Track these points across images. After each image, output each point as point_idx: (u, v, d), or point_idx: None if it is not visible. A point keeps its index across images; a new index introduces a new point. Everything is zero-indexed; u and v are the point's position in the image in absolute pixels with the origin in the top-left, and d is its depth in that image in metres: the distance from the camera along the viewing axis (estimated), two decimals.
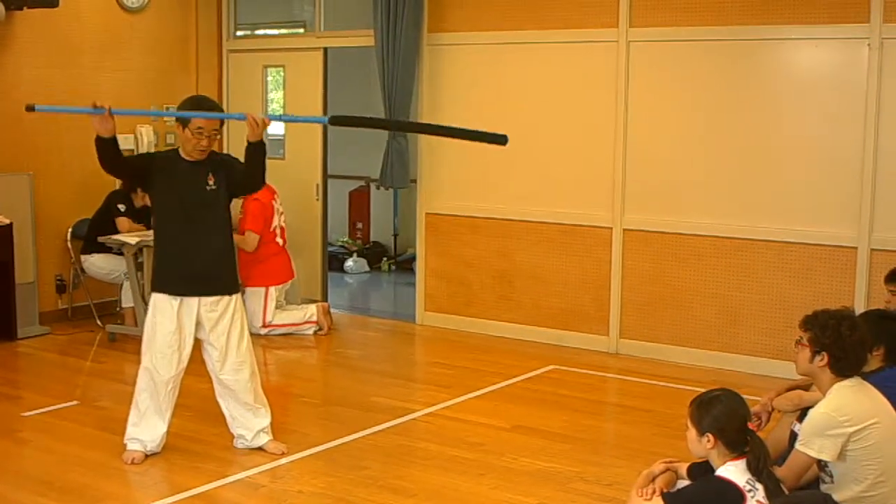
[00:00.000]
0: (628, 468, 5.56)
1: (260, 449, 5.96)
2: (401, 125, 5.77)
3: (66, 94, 9.04)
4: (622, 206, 8.32)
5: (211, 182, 5.76)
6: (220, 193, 5.80)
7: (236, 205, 9.25)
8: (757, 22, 7.65)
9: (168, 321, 5.72)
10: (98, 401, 7.01)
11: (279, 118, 5.87)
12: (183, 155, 5.78)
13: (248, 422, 5.97)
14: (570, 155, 8.56)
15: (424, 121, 9.19)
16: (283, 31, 12.35)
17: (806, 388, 4.98)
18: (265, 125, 5.65)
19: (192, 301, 5.74)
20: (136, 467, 5.70)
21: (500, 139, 5.52)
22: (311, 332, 9.06)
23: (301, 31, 11.76)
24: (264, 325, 8.93)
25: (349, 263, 12.56)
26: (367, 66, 9.98)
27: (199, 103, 5.92)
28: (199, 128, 5.64)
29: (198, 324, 5.79)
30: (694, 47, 7.94)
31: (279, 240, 9.05)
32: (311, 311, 9.11)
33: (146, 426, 5.81)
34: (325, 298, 10.01)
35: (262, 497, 5.39)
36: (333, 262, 11.92)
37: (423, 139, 9.27)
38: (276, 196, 9.08)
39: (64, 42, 9.10)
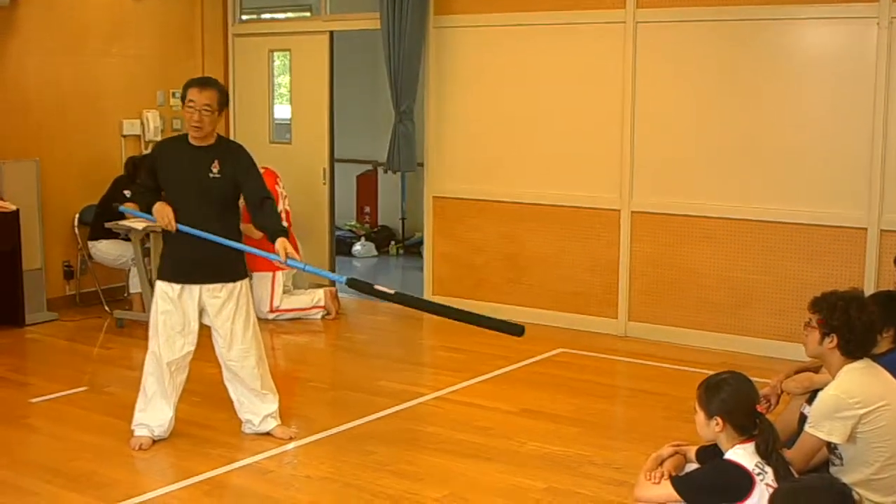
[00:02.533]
0: (637, 451, 5.54)
1: (268, 434, 5.95)
2: (417, 304, 5.79)
3: (72, 81, 9.05)
4: (630, 188, 8.29)
5: (215, 169, 5.70)
6: (223, 181, 5.73)
7: None
8: (766, 2, 7.60)
9: (170, 307, 5.73)
10: (106, 387, 7.01)
11: (303, 268, 5.82)
12: (190, 139, 5.76)
13: (256, 407, 5.96)
14: (578, 137, 8.52)
15: (432, 104, 9.17)
16: (289, 14, 12.31)
17: (815, 370, 4.96)
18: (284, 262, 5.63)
19: (194, 288, 5.74)
20: (144, 453, 5.69)
21: (516, 330, 5.51)
22: (318, 316, 9.06)
23: (307, 14, 11.72)
24: (272, 310, 8.92)
25: (357, 247, 12.55)
26: (374, 50, 9.96)
27: (195, 78, 5.87)
28: (191, 100, 5.64)
29: (202, 310, 5.79)
30: (702, 28, 7.89)
31: (284, 223, 9.02)
32: (319, 295, 9.10)
33: (153, 411, 5.81)
34: (332, 283, 10.00)
35: (269, 482, 5.39)
36: (341, 246, 11.91)
37: (430, 121, 9.24)
38: (278, 180, 9.07)
39: (69, 28, 9.09)
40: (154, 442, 5.80)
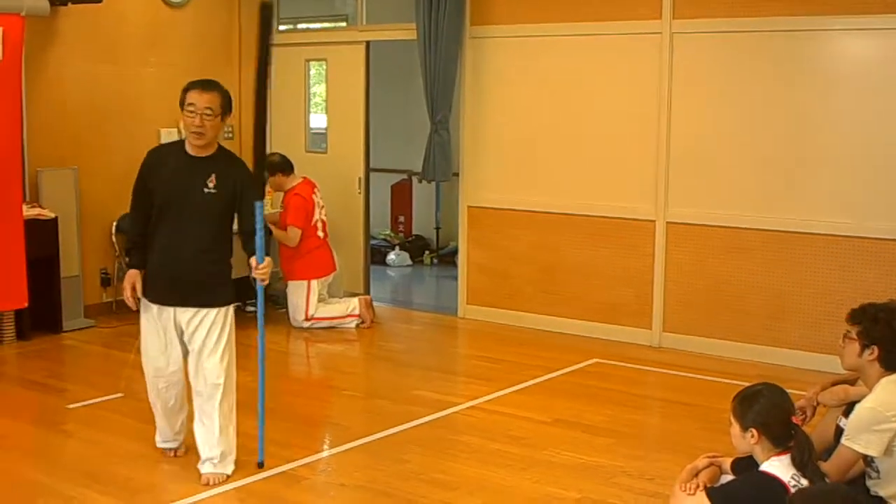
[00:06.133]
0: (671, 462, 5.52)
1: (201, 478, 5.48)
2: None
3: (110, 90, 9.12)
4: (665, 199, 8.27)
5: (211, 184, 5.27)
6: (218, 199, 5.29)
7: (277, 199, 9.32)
8: (803, 12, 7.56)
9: (150, 325, 5.43)
10: (142, 393, 6.94)
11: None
12: (188, 149, 5.33)
13: (202, 443, 5.50)
14: (614, 148, 8.51)
15: (468, 114, 9.19)
16: (326, 24, 12.38)
17: (851, 382, 4.92)
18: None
19: (170, 310, 5.36)
20: (179, 459, 5.70)
21: None
22: (353, 325, 9.07)
23: (343, 24, 11.78)
24: (307, 319, 8.94)
25: (391, 257, 12.57)
26: (410, 59, 9.98)
27: (195, 81, 5.37)
28: (191, 104, 5.21)
29: (182, 332, 5.41)
30: (738, 38, 7.87)
31: (320, 233, 9.05)
32: (354, 304, 9.12)
33: (159, 426, 5.73)
34: (367, 291, 10.02)
35: (303, 489, 5.40)
36: (376, 255, 11.94)
37: (466, 132, 9.26)
38: (316, 189, 9.10)
39: (107, 37, 9.16)
40: (186, 449, 5.75)
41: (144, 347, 5.51)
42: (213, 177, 5.27)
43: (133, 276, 5.39)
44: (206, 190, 5.26)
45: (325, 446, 6.18)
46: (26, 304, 8.09)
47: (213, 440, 5.45)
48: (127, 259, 5.40)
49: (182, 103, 5.25)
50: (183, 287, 5.32)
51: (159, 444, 5.79)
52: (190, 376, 5.49)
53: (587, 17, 8.52)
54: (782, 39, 7.70)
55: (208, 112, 5.21)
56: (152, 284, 5.37)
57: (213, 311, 5.39)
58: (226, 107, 5.32)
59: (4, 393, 7.28)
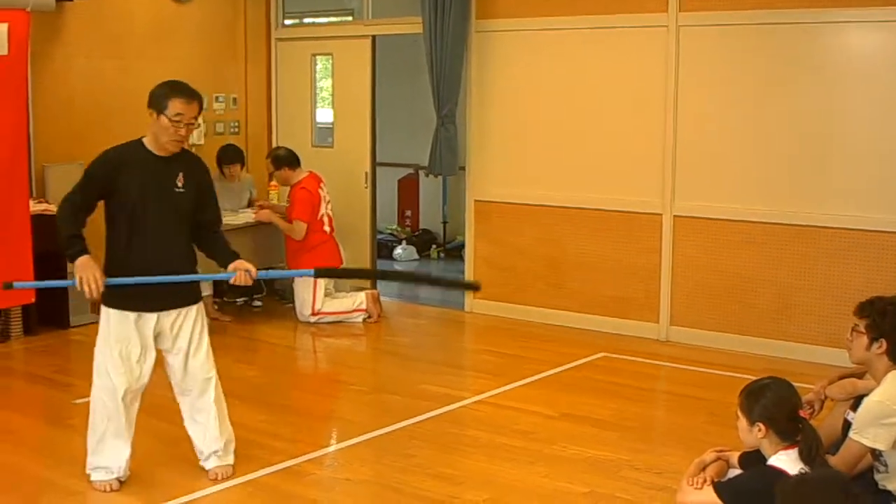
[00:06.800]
0: (679, 457, 5.51)
1: (209, 472, 5.46)
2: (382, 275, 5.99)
3: (115, 85, 9.11)
4: (672, 192, 8.25)
5: (180, 183, 5.18)
6: (187, 197, 5.21)
7: (283, 194, 9.32)
8: (810, 5, 7.54)
9: (127, 335, 5.16)
10: (147, 388, 7.03)
11: (267, 275, 5.51)
12: (151, 148, 5.16)
13: (200, 440, 5.48)
14: (620, 141, 8.49)
15: (474, 108, 9.18)
16: (332, 19, 12.36)
17: (859, 376, 4.91)
18: (254, 277, 5.24)
19: (151, 315, 5.19)
20: (186, 454, 5.65)
21: (473, 286, 5.52)
22: (360, 319, 9.07)
23: (349, 18, 11.75)
24: (313, 313, 8.94)
25: (398, 251, 12.56)
26: (416, 53, 9.97)
27: (177, 87, 5.15)
28: (179, 114, 5.02)
29: (158, 335, 5.26)
30: (745, 31, 7.85)
31: (327, 227, 9.04)
32: (361, 298, 9.11)
33: (107, 452, 5.27)
34: (374, 286, 10.01)
35: (309, 484, 5.40)
36: (382, 249, 11.93)
37: (473, 126, 9.24)
38: (322, 184, 9.09)
39: (113, 32, 9.16)
40: (121, 482, 5.30)
41: (113, 362, 5.16)
42: (181, 176, 5.19)
43: (92, 262, 5.00)
44: (177, 189, 5.18)
45: (332, 441, 6.19)
46: (33, 300, 8.10)
47: (215, 433, 5.43)
48: (71, 249, 5.02)
49: (160, 107, 5.05)
50: (169, 290, 5.20)
51: (103, 479, 5.28)
52: (174, 378, 5.39)
53: (593, 11, 8.51)
54: (789, 32, 7.67)
55: (193, 122, 5.13)
56: (132, 292, 5.10)
57: (194, 307, 5.34)
58: (201, 110, 5.26)
59: (11, 388, 7.29)
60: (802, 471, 3.93)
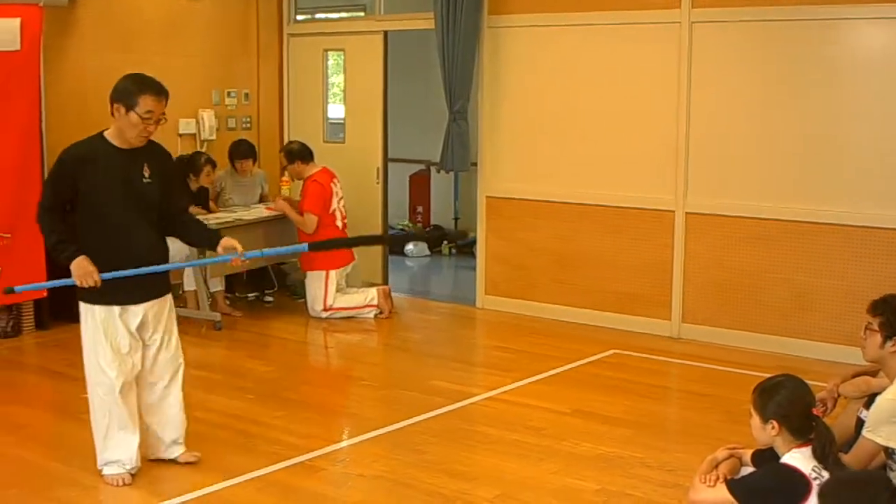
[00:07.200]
0: (691, 454, 5.49)
1: (173, 461, 5.54)
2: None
3: None
4: (685, 189, 8.23)
5: (146, 174, 5.16)
6: (155, 187, 5.20)
7: (296, 188, 9.32)
8: (823, 1, 7.51)
9: (115, 329, 5.18)
10: None
11: (261, 254, 5.58)
12: (114, 142, 5.13)
13: (166, 431, 5.52)
14: (633, 137, 8.47)
15: (486, 104, 9.17)
16: (343, 14, 12.35)
17: (873, 374, 4.90)
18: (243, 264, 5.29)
19: (138, 307, 5.23)
20: (199, 450, 5.69)
21: (381, 239, 5.60)
22: (371, 315, 9.07)
23: (361, 14, 11.74)
24: (325, 309, 8.94)
25: (409, 247, 12.55)
26: (427, 49, 9.96)
27: (146, 82, 5.14)
28: (149, 111, 5.04)
29: (139, 326, 5.26)
30: (758, 28, 7.82)
31: (339, 223, 9.04)
32: (372, 294, 9.11)
33: (116, 446, 5.30)
34: (385, 282, 10.02)
35: (321, 480, 5.40)
36: (393, 245, 11.92)
37: (485, 122, 9.23)
38: (335, 179, 9.09)
39: (125, 27, 9.16)
40: (133, 476, 5.32)
41: (107, 356, 5.19)
42: (145, 166, 5.18)
43: (85, 262, 5.04)
44: (144, 180, 5.17)
45: (343, 436, 6.19)
46: (45, 294, 8.11)
47: (178, 420, 5.52)
48: (65, 253, 5.07)
49: (129, 103, 5.03)
50: (150, 281, 5.23)
51: (115, 473, 5.31)
52: (144, 370, 5.37)
53: (606, 6, 8.48)
54: (803, 28, 7.64)
55: (162, 118, 5.16)
56: (114, 287, 5.10)
57: (168, 296, 5.43)
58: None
59: (24, 382, 7.32)
60: (816, 469, 3.92)
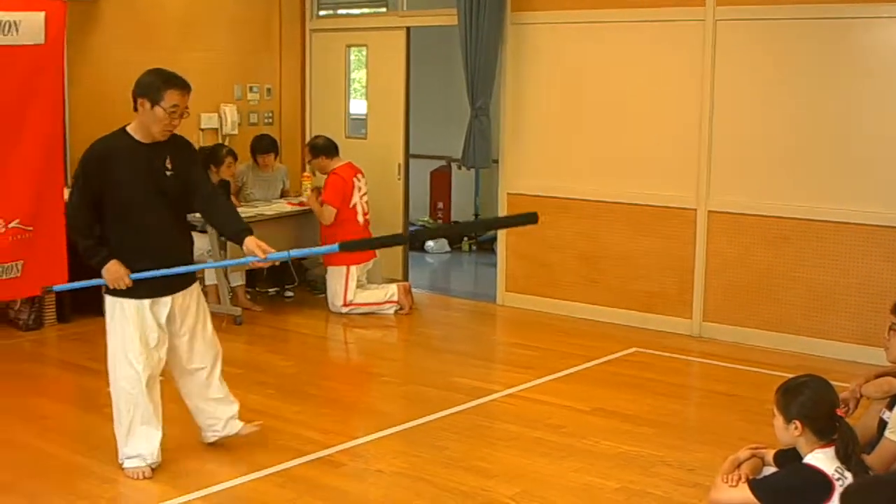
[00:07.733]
0: (712, 453, 5.48)
1: (235, 434, 5.67)
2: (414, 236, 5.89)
3: None
4: (707, 187, 8.20)
5: (170, 166, 5.20)
6: (178, 179, 5.22)
7: (320, 181, 9.32)
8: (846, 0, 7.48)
9: (143, 322, 5.22)
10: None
11: (288, 256, 5.55)
12: (137, 136, 5.18)
13: (218, 411, 5.62)
14: (656, 135, 8.44)
15: (509, 101, 9.15)
16: (366, 10, 12.35)
17: None
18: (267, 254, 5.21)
19: (167, 299, 5.27)
20: (223, 442, 5.68)
21: (531, 218, 5.52)
22: (391, 311, 9.07)
23: (384, 10, 11.74)
24: (345, 304, 8.95)
25: (430, 243, 12.54)
26: (450, 45, 9.95)
27: (171, 77, 5.19)
28: (175, 105, 5.10)
29: (168, 318, 5.31)
30: (783, 25, 7.78)
31: (360, 219, 9.04)
32: (392, 290, 9.11)
33: (139, 440, 5.31)
34: (406, 278, 10.02)
35: (341, 475, 5.40)
36: (414, 241, 11.92)
37: (507, 118, 9.22)
38: (358, 174, 9.09)
39: (149, 22, 9.19)
40: (153, 470, 5.34)
41: (135, 349, 5.22)
42: (168, 159, 5.21)
43: (116, 266, 5.11)
44: (167, 173, 5.21)
45: (364, 432, 6.18)
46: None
47: (230, 396, 5.63)
48: (97, 258, 5.13)
49: (155, 97, 5.07)
50: (177, 274, 5.27)
51: (136, 467, 5.32)
52: (178, 361, 5.44)
53: (629, 4, 8.46)
54: (828, 26, 7.60)
55: (186, 112, 5.20)
56: (144, 282, 5.16)
57: (196, 285, 5.49)
58: None
59: (46, 375, 7.35)
60: (839, 469, 3.90)
